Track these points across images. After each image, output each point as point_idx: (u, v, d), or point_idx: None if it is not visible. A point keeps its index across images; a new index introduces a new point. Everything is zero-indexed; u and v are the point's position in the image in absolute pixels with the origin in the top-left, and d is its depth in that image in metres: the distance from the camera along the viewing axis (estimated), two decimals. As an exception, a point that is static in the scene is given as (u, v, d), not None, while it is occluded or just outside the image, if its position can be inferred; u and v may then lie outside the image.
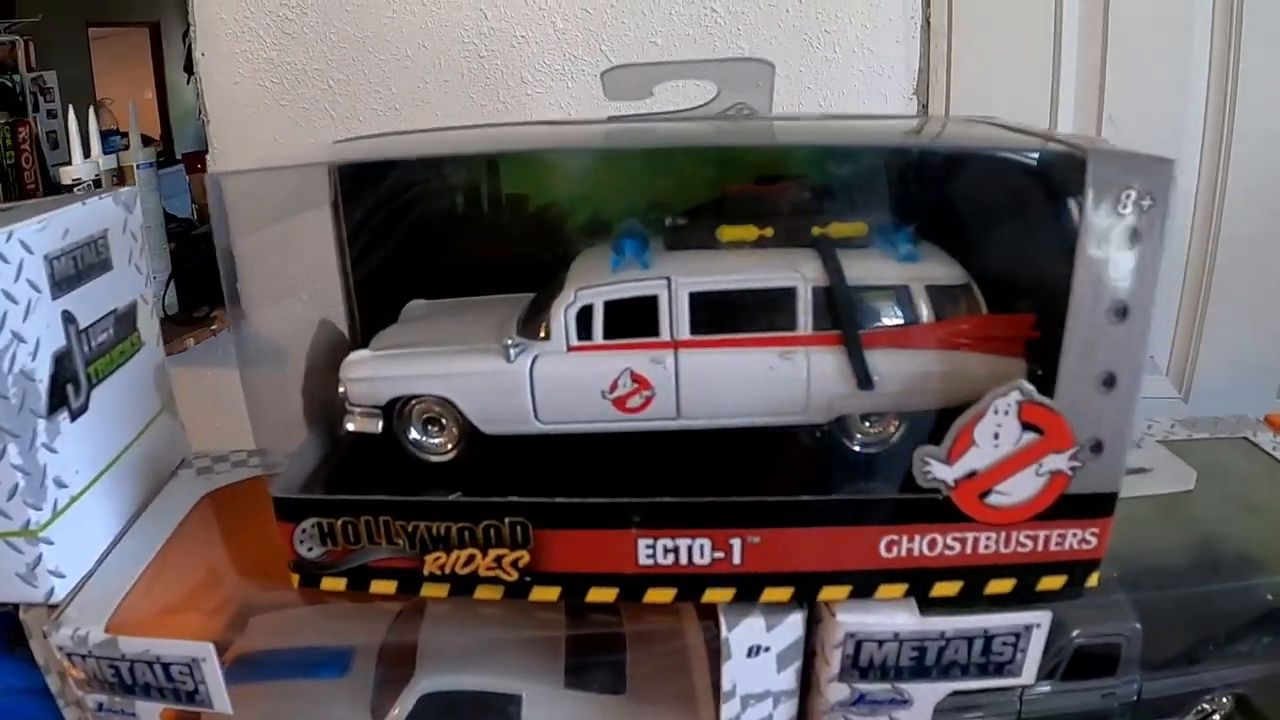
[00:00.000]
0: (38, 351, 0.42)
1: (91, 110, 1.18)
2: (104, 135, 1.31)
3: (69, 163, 1.19)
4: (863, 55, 1.02)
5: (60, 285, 0.43)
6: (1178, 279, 1.13)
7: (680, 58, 0.99)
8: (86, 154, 1.16)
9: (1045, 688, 0.45)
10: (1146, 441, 0.52)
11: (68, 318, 0.44)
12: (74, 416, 0.44)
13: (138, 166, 1.20)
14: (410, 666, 0.45)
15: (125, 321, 0.48)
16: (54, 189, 1.36)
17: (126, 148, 1.38)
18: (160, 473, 0.51)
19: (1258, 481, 0.51)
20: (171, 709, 0.41)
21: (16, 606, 0.45)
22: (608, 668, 0.43)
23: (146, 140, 1.36)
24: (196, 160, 1.41)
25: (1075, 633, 0.45)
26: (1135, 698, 0.47)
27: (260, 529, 0.47)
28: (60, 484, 0.43)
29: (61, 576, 0.43)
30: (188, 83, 1.31)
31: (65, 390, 0.43)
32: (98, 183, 1.16)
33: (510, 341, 0.36)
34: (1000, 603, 0.38)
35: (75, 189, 1.15)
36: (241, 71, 1.07)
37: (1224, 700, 0.49)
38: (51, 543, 0.42)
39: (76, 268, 0.45)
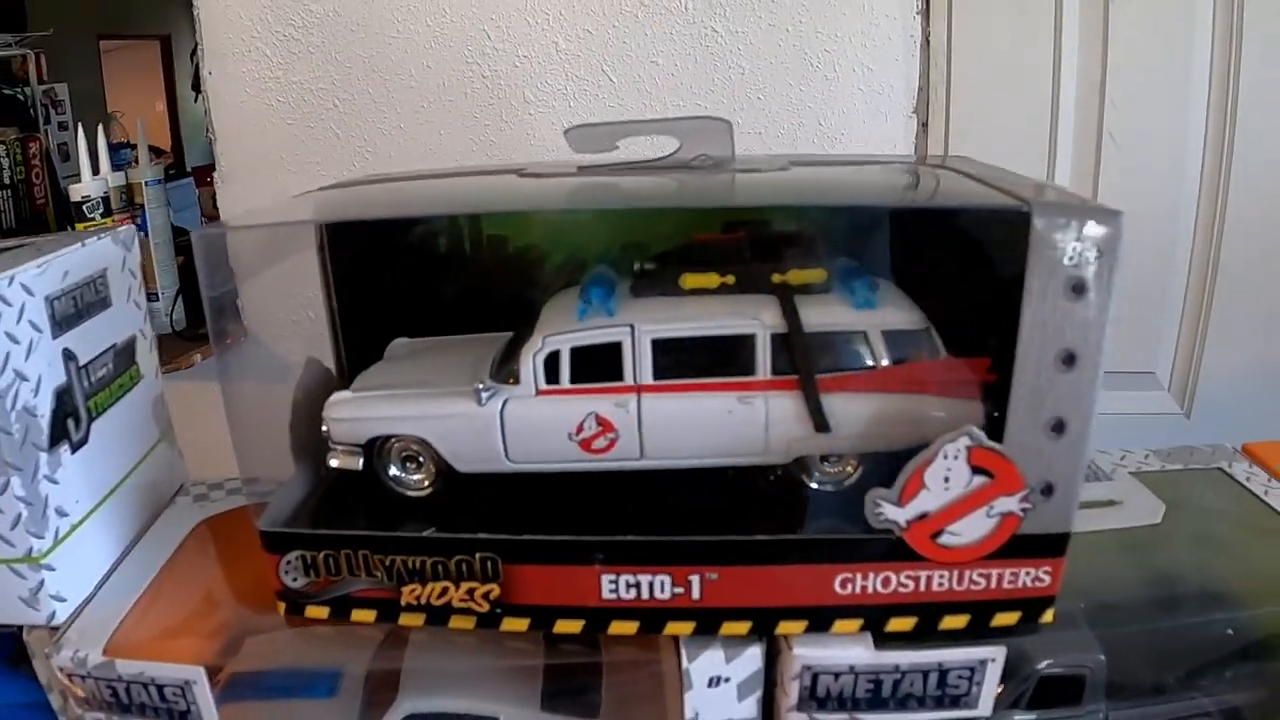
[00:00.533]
0: (39, 388, 0.45)
1: (100, 127, 1.22)
2: (115, 148, 1.35)
3: (79, 179, 1.22)
4: (862, 74, 1.04)
5: (61, 324, 0.46)
6: (1179, 294, 1.14)
7: (681, 77, 1.02)
8: (95, 171, 1.20)
9: (1013, 717, 0.47)
10: (1119, 473, 0.54)
11: (68, 355, 0.47)
12: (74, 449, 0.47)
13: (146, 183, 1.23)
14: (395, 689, 0.47)
15: (124, 356, 0.51)
16: (64, 204, 1.40)
17: (137, 162, 1.41)
18: (159, 500, 0.54)
19: (1227, 514, 0.52)
20: None
21: (20, 628, 0.48)
22: (583, 693, 0.46)
23: (157, 153, 1.40)
24: (207, 173, 1.44)
25: (1040, 663, 0.47)
26: None
27: (254, 555, 0.50)
28: (61, 513, 0.46)
29: (62, 600, 0.46)
30: (195, 100, 1.34)
31: (66, 424, 0.46)
32: (107, 200, 1.19)
33: (481, 386, 0.38)
34: (955, 638, 0.40)
35: (84, 207, 1.18)
36: (248, 90, 1.10)
37: None
38: (53, 569, 0.45)
39: (76, 307, 0.47)
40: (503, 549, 0.37)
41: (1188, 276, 1.14)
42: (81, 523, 0.47)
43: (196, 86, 1.20)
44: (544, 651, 0.46)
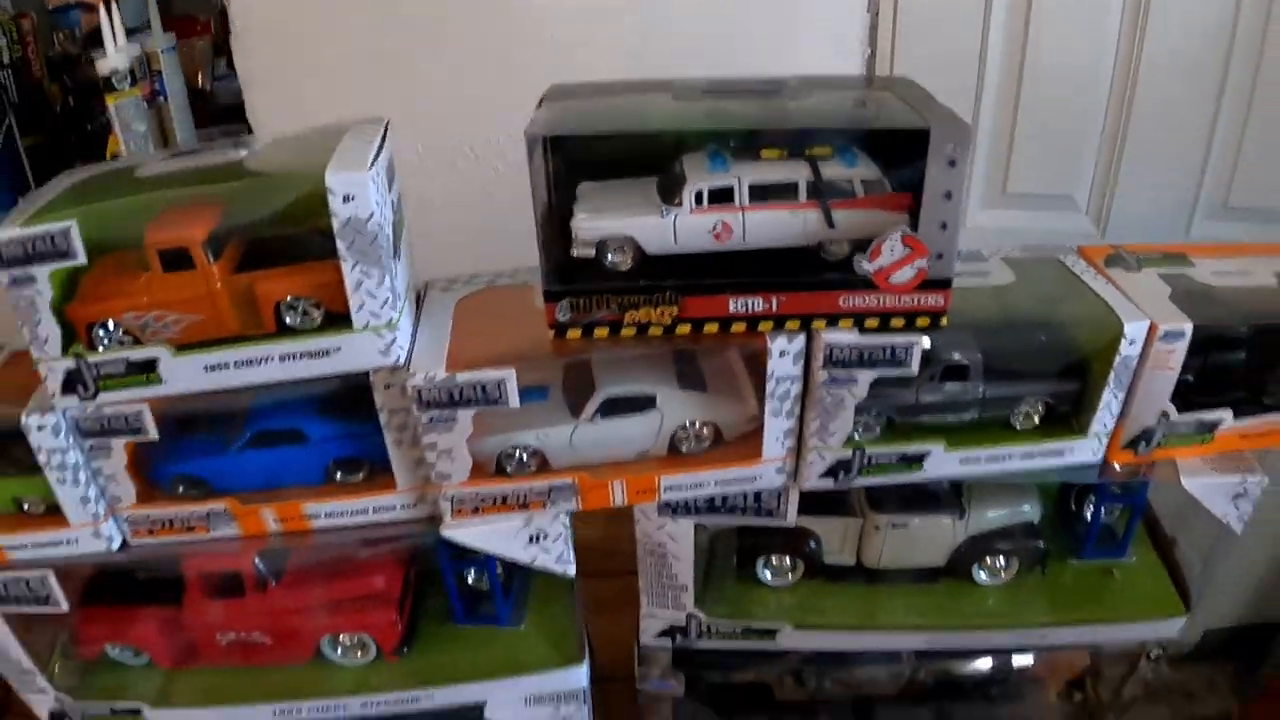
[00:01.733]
0: (384, 225, 1.10)
1: (115, 3, 1.78)
2: (64, 9, 1.91)
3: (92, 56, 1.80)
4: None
5: (389, 185, 1.11)
6: (1098, 127, 1.89)
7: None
8: (115, 44, 1.77)
9: (929, 386, 1.20)
10: (993, 259, 1.27)
11: (393, 205, 1.12)
12: (398, 258, 1.12)
13: (162, 51, 1.81)
14: (589, 388, 1.17)
15: (400, 203, 1.16)
16: (57, 72, 1.95)
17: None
18: (416, 291, 1.20)
19: (1054, 282, 1.26)
20: (480, 411, 1.11)
21: (367, 374, 1.13)
22: (697, 374, 1.16)
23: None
24: (185, 27, 2.00)
25: (944, 355, 1.19)
26: (981, 395, 1.22)
27: (498, 319, 1.18)
28: (399, 296, 1.12)
29: (401, 349, 1.12)
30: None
31: (397, 245, 1.12)
32: (132, 71, 1.77)
33: (663, 209, 1.06)
34: (898, 330, 1.11)
35: (113, 79, 1.75)
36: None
37: (1038, 405, 1.25)
38: (397, 330, 1.11)
39: (388, 174, 1.12)
40: (678, 288, 1.06)
41: (1105, 111, 1.89)
42: (404, 303, 1.13)
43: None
44: (672, 351, 1.17)
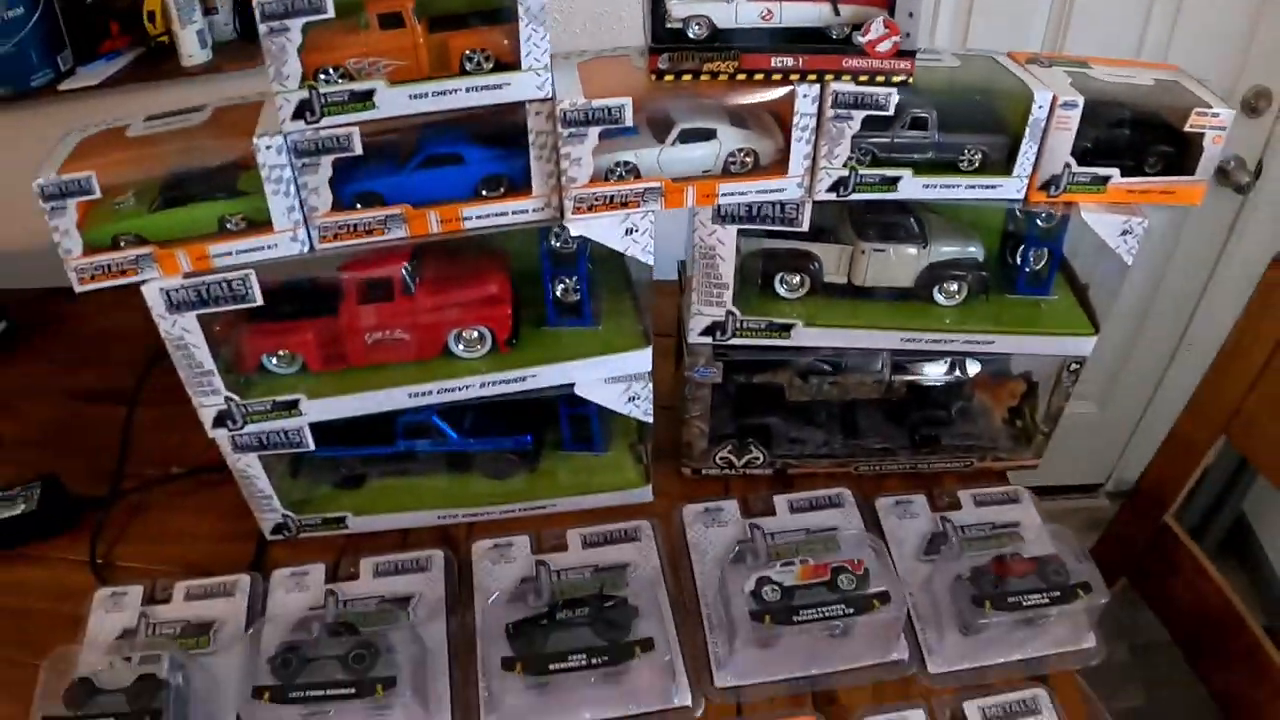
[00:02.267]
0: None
1: None
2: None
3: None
4: None
5: None
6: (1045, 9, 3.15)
7: None
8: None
9: (900, 132, 2.44)
10: (945, 53, 2.50)
11: None
12: None
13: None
14: (670, 124, 2.37)
15: None
16: None
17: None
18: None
19: (988, 69, 2.43)
20: (602, 129, 2.28)
21: (517, 108, 2.31)
22: (743, 118, 2.37)
23: None
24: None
25: (910, 109, 2.41)
26: (936, 140, 2.41)
27: (609, 74, 2.37)
28: (549, 49, 2.30)
29: (551, 84, 2.25)
30: None
31: None
32: None
33: None
34: (881, 84, 2.32)
35: None
36: None
37: (977, 153, 2.47)
38: (549, 71, 2.26)
39: None
40: (739, 49, 2.21)
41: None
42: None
43: None
44: (723, 102, 2.38)
